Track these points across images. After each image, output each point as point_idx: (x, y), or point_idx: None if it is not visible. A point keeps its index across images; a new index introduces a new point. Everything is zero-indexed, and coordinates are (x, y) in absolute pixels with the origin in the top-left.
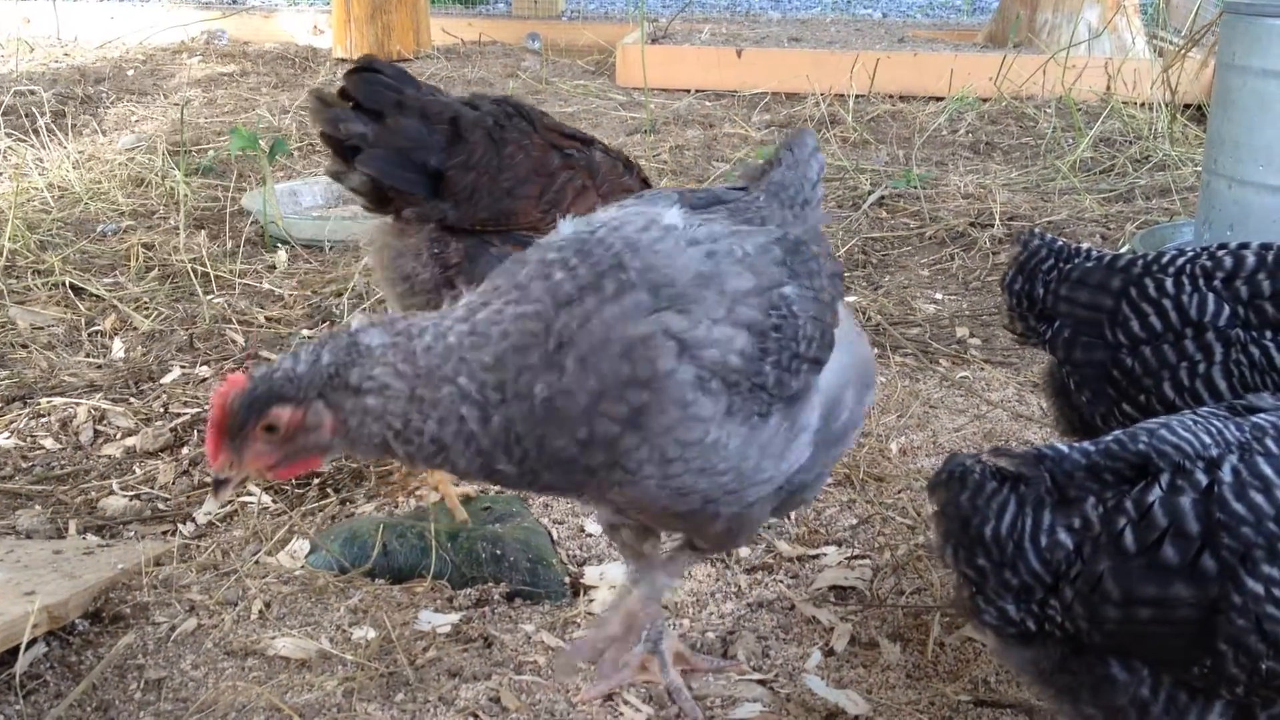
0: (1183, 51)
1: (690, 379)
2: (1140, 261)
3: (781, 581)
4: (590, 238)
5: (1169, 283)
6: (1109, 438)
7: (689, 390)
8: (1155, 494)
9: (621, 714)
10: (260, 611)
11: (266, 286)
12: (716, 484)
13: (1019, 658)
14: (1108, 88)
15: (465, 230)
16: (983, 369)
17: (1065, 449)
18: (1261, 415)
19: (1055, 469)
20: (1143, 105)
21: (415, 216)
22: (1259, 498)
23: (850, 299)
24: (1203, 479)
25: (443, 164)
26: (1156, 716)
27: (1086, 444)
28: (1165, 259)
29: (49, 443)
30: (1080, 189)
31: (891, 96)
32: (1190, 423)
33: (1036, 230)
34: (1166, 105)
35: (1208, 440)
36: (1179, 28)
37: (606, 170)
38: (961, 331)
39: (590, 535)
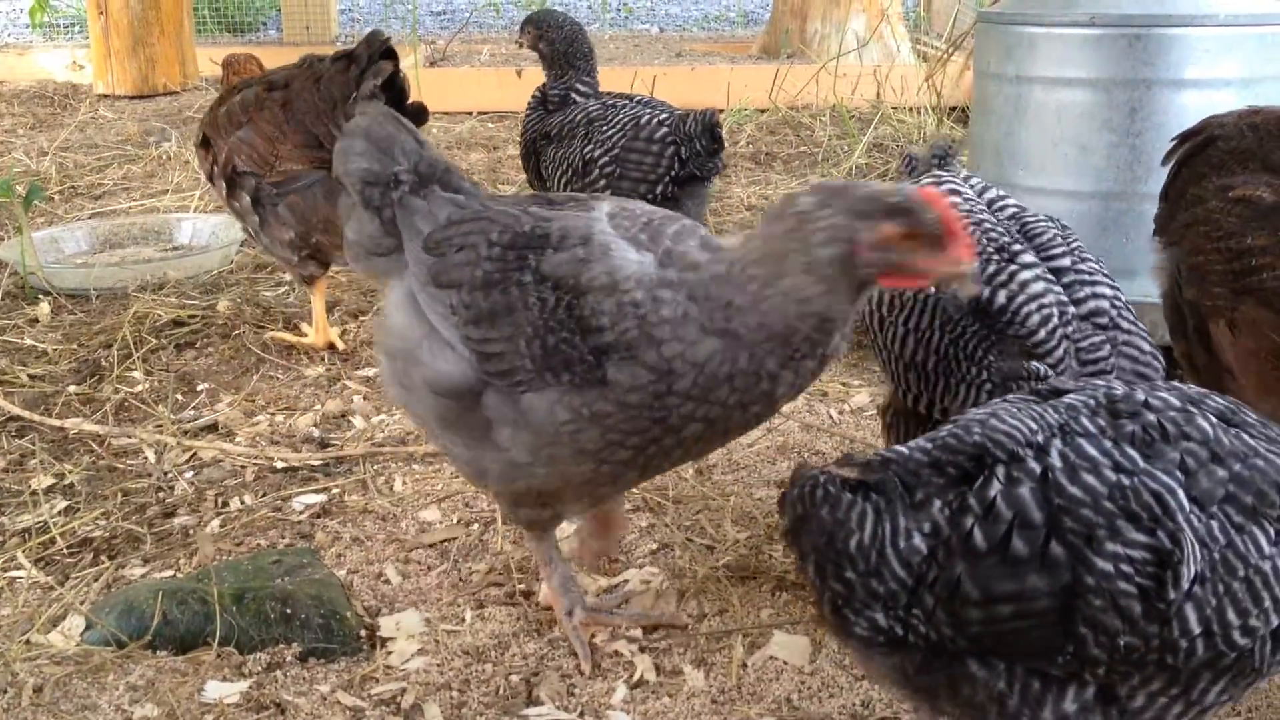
0: (944, 57)
1: None
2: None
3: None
4: None
5: None
6: (944, 431)
7: None
8: (995, 487)
9: None
10: (31, 697)
11: (29, 342)
12: None
13: (884, 665)
14: (878, 94)
15: None
16: None
17: (906, 450)
18: (1071, 396)
19: (902, 470)
20: (911, 110)
21: None
22: (1090, 478)
23: None
24: (1035, 466)
25: None
26: (1014, 710)
27: (924, 441)
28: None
29: None
30: None
31: None
32: (1016, 410)
33: None
34: (933, 109)
35: (1034, 426)
36: (941, 33)
37: None
38: None
39: (388, 582)
